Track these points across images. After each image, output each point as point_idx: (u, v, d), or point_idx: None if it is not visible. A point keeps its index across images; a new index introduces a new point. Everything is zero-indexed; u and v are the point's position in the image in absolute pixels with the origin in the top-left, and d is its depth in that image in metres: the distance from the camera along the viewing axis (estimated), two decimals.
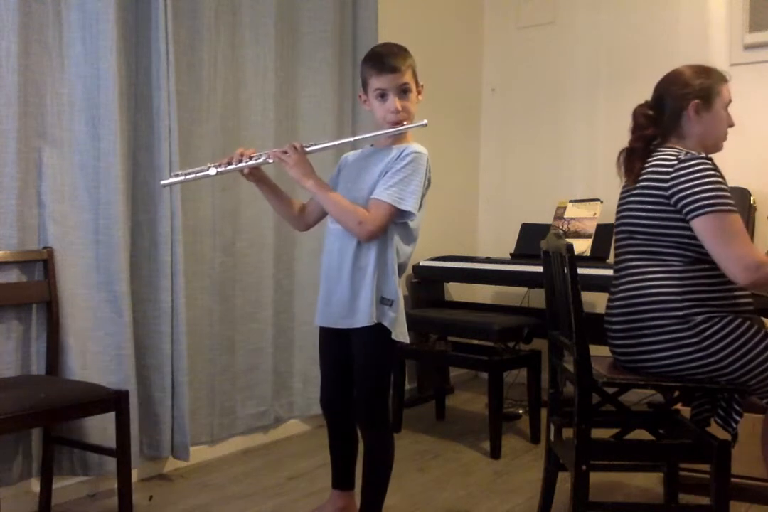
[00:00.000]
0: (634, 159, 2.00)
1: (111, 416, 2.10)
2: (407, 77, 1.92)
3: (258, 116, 2.92)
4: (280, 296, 3.05)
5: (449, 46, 4.12)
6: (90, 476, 2.42)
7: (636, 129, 2.04)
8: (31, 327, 2.28)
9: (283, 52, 3.01)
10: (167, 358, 2.57)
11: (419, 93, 1.99)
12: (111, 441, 2.16)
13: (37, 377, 2.23)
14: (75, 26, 2.34)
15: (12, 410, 1.85)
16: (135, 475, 2.48)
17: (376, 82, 1.92)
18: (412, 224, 1.98)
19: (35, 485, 2.29)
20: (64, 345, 2.30)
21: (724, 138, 2.05)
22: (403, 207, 1.89)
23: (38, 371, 2.28)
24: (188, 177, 1.99)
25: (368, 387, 2.01)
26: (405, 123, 1.93)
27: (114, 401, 2.08)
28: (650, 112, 2.04)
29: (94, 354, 2.39)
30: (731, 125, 2.04)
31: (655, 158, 1.95)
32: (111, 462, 2.28)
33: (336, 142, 1.97)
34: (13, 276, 2.24)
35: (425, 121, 1.91)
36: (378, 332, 1.95)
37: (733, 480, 1.88)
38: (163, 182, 2.07)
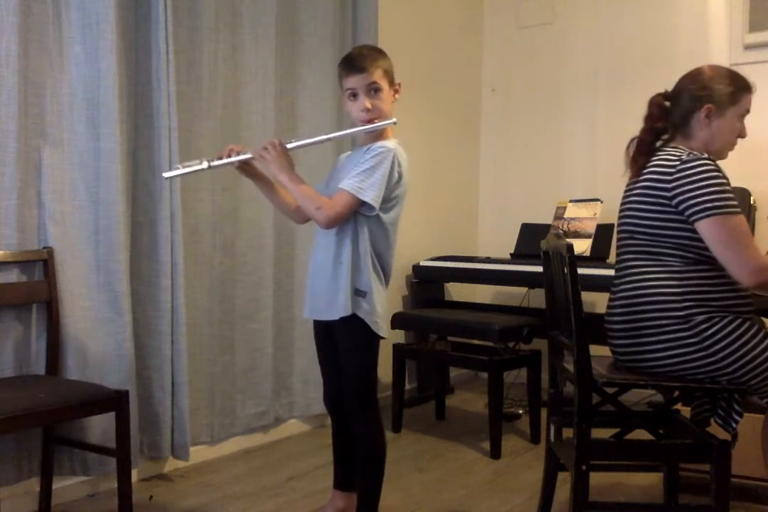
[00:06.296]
0: (640, 152, 1.99)
1: (111, 416, 2.10)
2: (376, 76, 1.99)
3: (258, 116, 2.92)
4: (280, 296, 3.05)
5: (449, 46, 4.12)
6: (90, 476, 2.42)
7: (648, 119, 2.04)
8: (31, 327, 2.28)
9: (283, 52, 3.01)
10: (167, 358, 2.57)
11: (396, 92, 2.06)
12: (111, 441, 2.16)
13: (37, 377, 2.23)
14: (75, 26, 2.34)
15: (12, 410, 1.85)
16: (135, 475, 2.48)
17: (346, 83, 2.02)
18: (386, 218, 2.01)
19: (35, 485, 2.29)
20: (64, 345, 2.31)
21: (731, 147, 2.02)
22: (361, 196, 1.93)
23: (38, 371, 2.28)
24: (186, 170, 2.07)
25: (350, 377, 2.04)
26: (376, 121, 2.00)
27: (114, 401, 2.08)
28: (666, 104, 2.02)
29: (94, 354, 2.39)
30: (742, 136, 2.01)
31: (658, 157, 1.94)
32: (111, 462, 2.28)
33: (314, 139, 2.05)
34: (13, 276, 2.24)
35: (395, 120, 2.01)
36: (354, 323, 1.99)
37: (733, 480, 1.88)
38: (165, 174, 2.14)
